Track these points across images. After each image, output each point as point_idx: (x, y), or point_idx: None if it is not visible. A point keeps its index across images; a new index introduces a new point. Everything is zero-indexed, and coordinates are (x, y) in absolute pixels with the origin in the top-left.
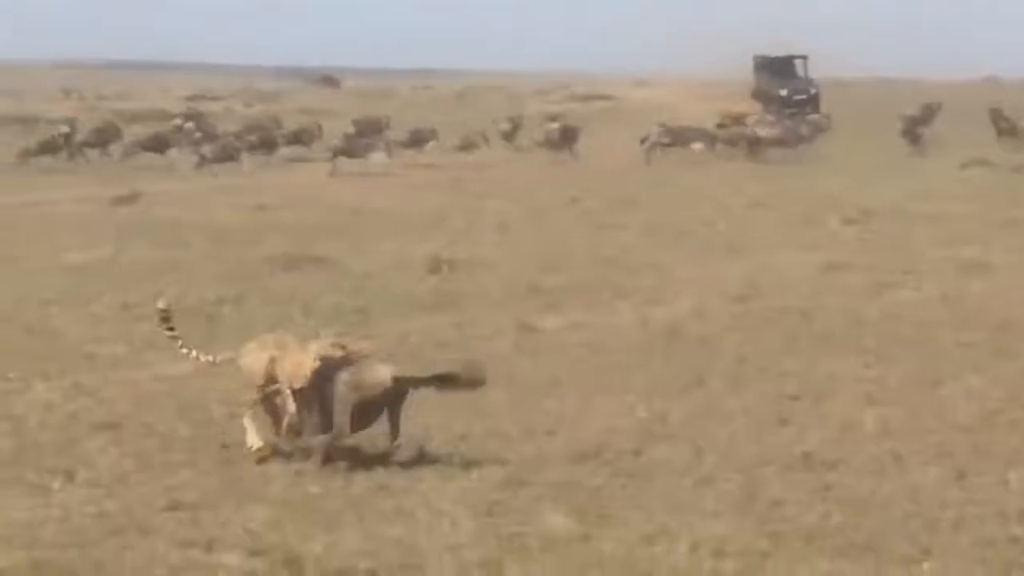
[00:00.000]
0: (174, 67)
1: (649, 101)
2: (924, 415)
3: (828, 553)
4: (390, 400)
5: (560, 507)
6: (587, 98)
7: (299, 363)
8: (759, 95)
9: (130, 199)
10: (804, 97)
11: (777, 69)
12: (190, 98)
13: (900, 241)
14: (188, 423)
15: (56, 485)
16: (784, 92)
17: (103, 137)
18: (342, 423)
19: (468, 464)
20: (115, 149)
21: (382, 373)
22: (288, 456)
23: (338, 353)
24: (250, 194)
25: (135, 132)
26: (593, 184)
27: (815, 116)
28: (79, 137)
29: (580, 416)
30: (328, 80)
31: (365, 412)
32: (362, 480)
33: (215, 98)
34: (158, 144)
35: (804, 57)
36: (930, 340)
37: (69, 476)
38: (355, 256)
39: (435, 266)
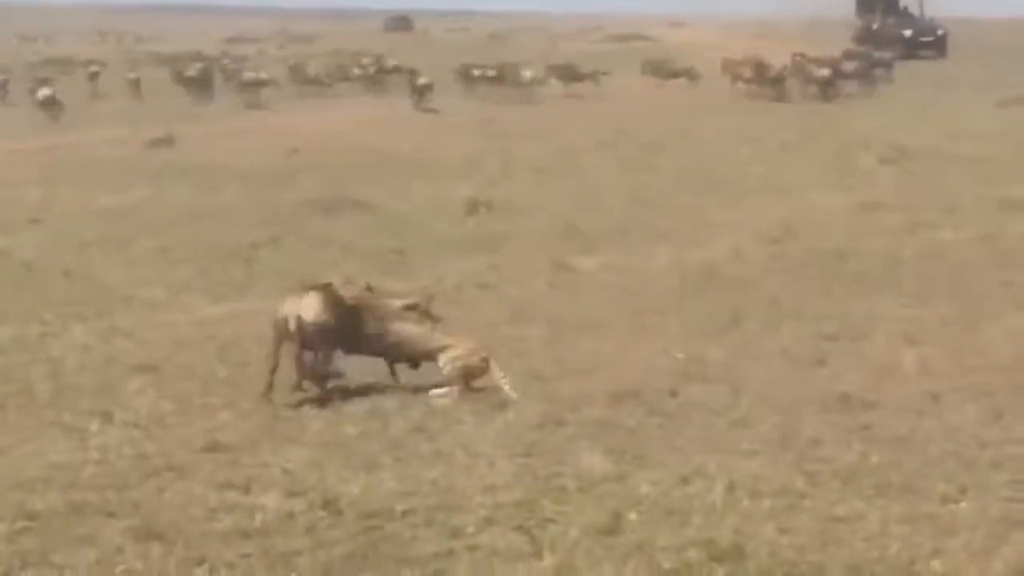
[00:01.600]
0: (213, 9)
1: (689, 41)
2: (962, 355)
3: (865, 493)
4: None
5: (597, 447)
6: (624, 38)
7: None
8: (866, 36)
9: (165, 141)
10: (931, 39)
11: (889, 7)
12: (228, 40)
13: (937, 180)
14: (226, 365)
15: (94, 427)
16: (908, 33)
17: None
18: None
19: (505, 405)
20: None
21: None
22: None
23: None
24: (283, 137)
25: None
26: (628, 126)
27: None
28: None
29: (617, 357)
30: (403, 21)
31: None
32: (400, 422)
33: (253, 40)
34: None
35: None
36: (968, 280)
37: (107, 418)
38: (391, 198)
39: (473, 208)
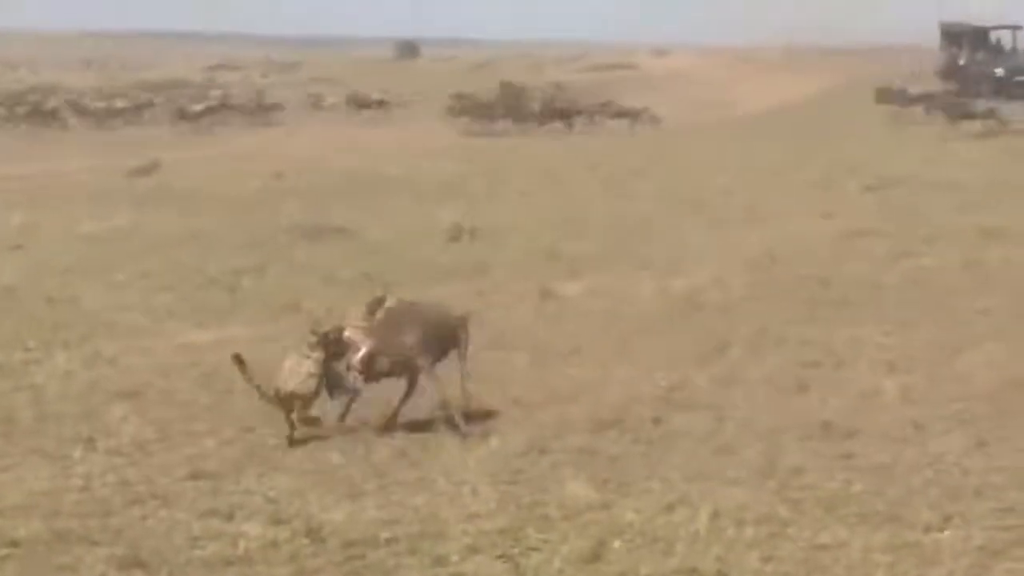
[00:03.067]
0: (199, 37)
1: (673, 70)
2: (945, 382)
3: (849, 521)
4: None
5: (581, 475)
6: (608, 67)
7: None
8: (951, 72)
9: (148, 169)
10: None
11: (977, 41)
12: (211, 68)
13: (919, 208)
14: (209, 392)
15: (77, 454)
16: (1001, 72)
17: None
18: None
19: (489, 432)
20: None
21: None
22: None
23: None
24: (265, 161)
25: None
26: (610, 152)
27: None
28: None
29: (601, 384)
30: (410, 48)
31: None
32: (383, 449)
33: (235, 68)
34: None
35: (1017, 27)
36: (950, 307)
37: (90, 445)
38: (374, 224)
39: (456, 234)
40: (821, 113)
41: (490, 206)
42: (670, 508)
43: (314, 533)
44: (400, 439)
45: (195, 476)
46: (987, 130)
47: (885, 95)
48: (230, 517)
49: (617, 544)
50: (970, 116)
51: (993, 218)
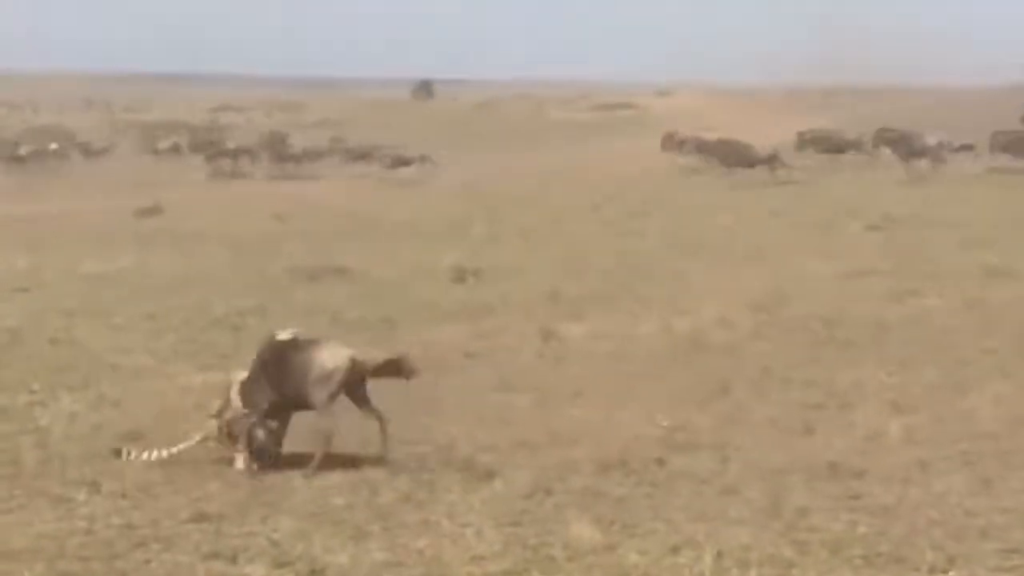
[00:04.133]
0: (200, 78)
1: (676, 110)
2: (949, 422)
3: (854, 562)
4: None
5: (585, 517)
6: (610, 107)
7: None
8: None
9: (152, 211)
10: None
11: None
12: (214, 109)
13: (922, 247)
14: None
15: (81, 497)
16: None
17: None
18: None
19: (493, 474)
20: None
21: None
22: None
23: None
24: (268, 203)
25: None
26: (612, 192)
27: None
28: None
29: (604, 425)
30: (426, 88)
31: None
32: (387, 491)
33: (239, 109)
34: None
35: None
36: (954, 347)
37: (94, 488)
38: (377, 265)
39: (459, 276)
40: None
41: (492, 248)
42: (675, 549)
43: (318, 575)
44: (404, 481)
45: (199, 519)
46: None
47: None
48: (234, 560)
49: None
50: None
51: (996, 257)
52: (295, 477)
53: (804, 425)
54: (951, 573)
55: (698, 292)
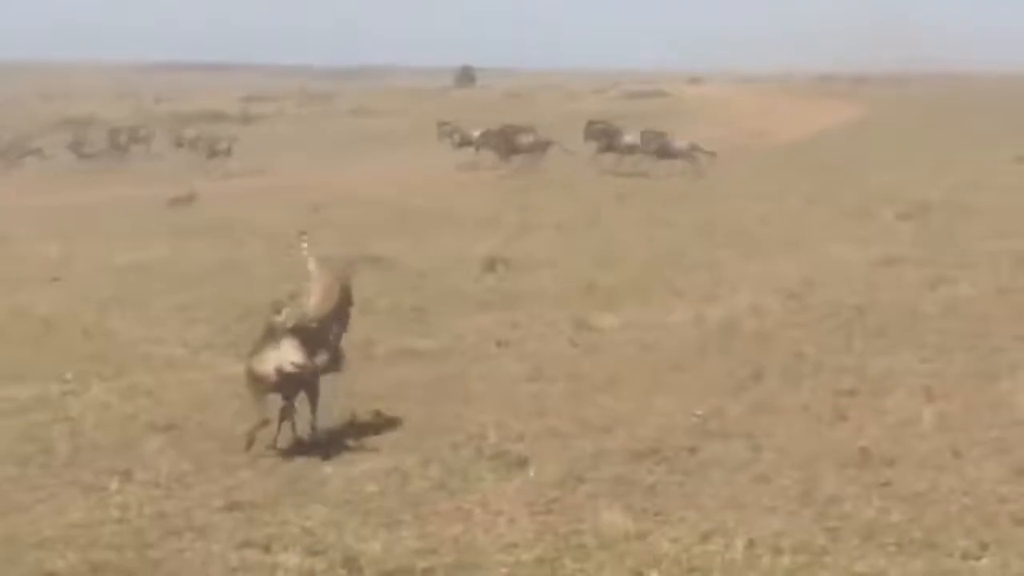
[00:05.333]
0: (232, 68)
1: (707, 98)
2: (982, 410)
3: (887, 549)
4: None
5: (617, 505)
6: (642, 95)
7: None
8: None
9: (187, 199)
10: None
11: None
12: (245, 99)
13: (955, 234)
14: (247, 423)
15: (114, 486)
16: None
17: None
18: None
19: (525, 462)
20: None
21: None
22: None
23: None
24: (302, 193)
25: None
26: (645, 181)
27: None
28: None
29: (636, 413)
30: (467, 75)
31: None
32: (419, 479)
33: (271, 98)
34: None
35: None
36: (987, 334)
37: (127, 477)
38: (411, 255)
39: (491, 265)
40: (852, 141)
41: (525, 237)
42: (706, 537)
43: (351, 563)
44: (436, 470)
45: (232, 507)
46: None
47: None
48: (267, 548)
49: (654, 574)
50: None
51: None
52: (327, 465)
53: (836, 412)
54: (984, 559)
55: (730, 280)
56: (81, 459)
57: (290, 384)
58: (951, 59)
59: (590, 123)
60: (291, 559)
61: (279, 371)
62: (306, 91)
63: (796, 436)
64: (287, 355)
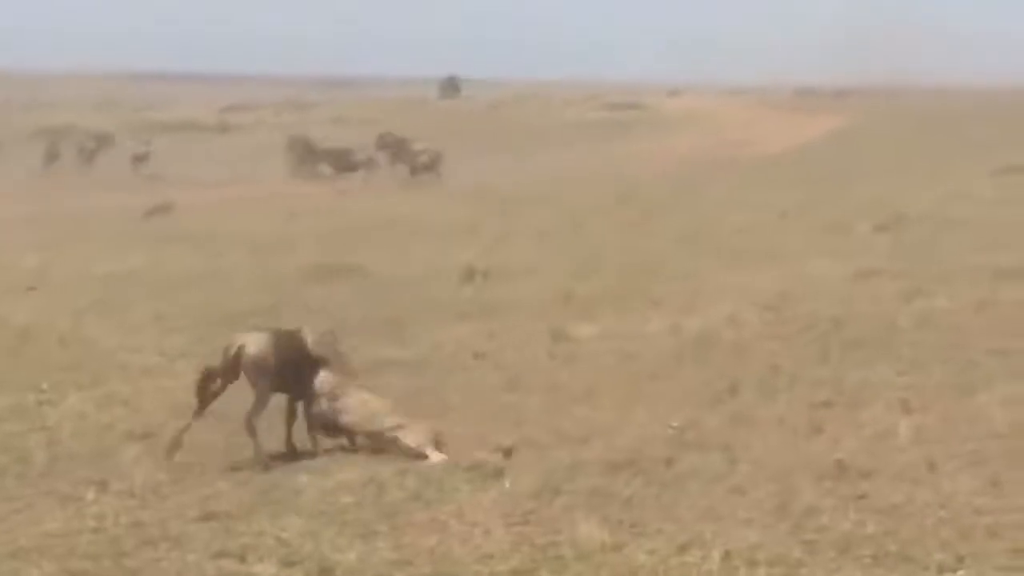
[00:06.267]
0: (225, 78)
1: (687, 110)
2: (958, 423)
3: (862, 562)
4: None
5: (593, 516)
6: (620, 107)
7: None
8: None
9: (163, 209)
10: None
11: None
12: (225, 109)
13: (934, 247)
14: (222, 433)
15: (90, 495)
16: None
17: None
18: None
19: (502, 473)
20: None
21: None
22: None
23: None
24: (277, 202)
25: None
26: (625, 192)
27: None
28: None
29: (613, 425)
30: (452, 86)
31: None
32: (395, 490)
33: (251, 108)
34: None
35: None
36: (963, 347)
37: (102, 487)
38: (388, 265)
39: (469, 275)
40: (834, 153)
41: (504, 247)
42: (683, 549)
43: (326, 574)
44: (412, 480)
45: (208, 517)
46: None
47: None
48: (242, 559)
49: None
50: None
51: (1006, 258)
52: (302, 475)
53: (812, 424)
54: (960, 572)
55: (708, 292)
56: (58, 469)
57: None
58: (939, 70)
59: (382, 135)
60: (267, 569)
61: None
62: (290, 101)
63: (772, 448)
64: None
